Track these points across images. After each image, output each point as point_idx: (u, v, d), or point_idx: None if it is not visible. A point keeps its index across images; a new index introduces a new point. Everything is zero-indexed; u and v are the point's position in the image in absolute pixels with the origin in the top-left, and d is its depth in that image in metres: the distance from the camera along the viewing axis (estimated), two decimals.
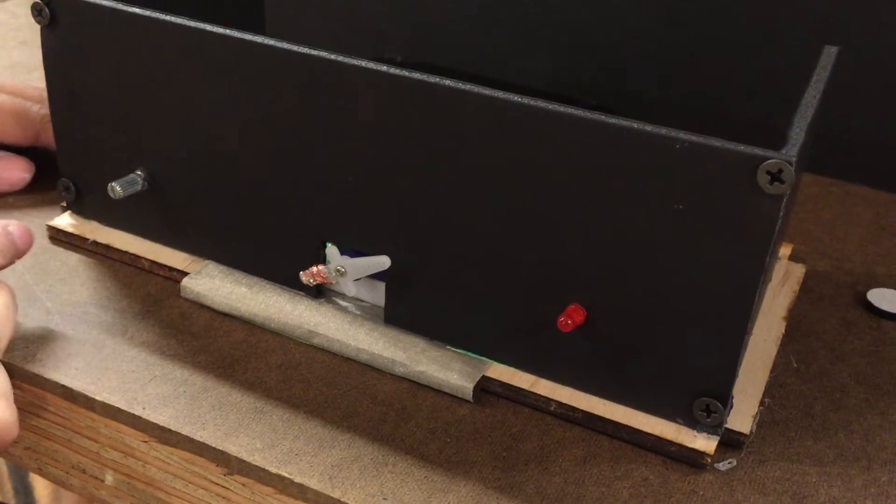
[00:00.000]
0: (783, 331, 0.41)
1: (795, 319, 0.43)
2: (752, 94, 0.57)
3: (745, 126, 0.55)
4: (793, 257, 0.47)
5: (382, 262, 0.38)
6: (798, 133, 0.32)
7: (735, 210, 0.31)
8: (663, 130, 0.31)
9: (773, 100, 0.55)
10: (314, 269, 0.39)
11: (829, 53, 0.41)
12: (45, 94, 0.47)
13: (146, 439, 0.36)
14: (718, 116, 0.58)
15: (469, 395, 0.37)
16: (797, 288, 0.44)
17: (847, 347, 0.41)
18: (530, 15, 0.62)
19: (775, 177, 0.30)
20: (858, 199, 0.54)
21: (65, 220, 0.45)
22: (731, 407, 0.35)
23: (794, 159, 0.30)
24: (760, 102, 0.56)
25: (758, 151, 0.30)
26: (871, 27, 0.53)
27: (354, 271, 0.39)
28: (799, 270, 0.46)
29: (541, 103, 0.33)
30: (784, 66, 0.54)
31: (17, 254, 0.39)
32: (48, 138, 0.48)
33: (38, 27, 0.41)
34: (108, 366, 0.37)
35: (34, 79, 0.62)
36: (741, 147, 0.30)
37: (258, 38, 0.37)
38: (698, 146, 0.31)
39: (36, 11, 0.41)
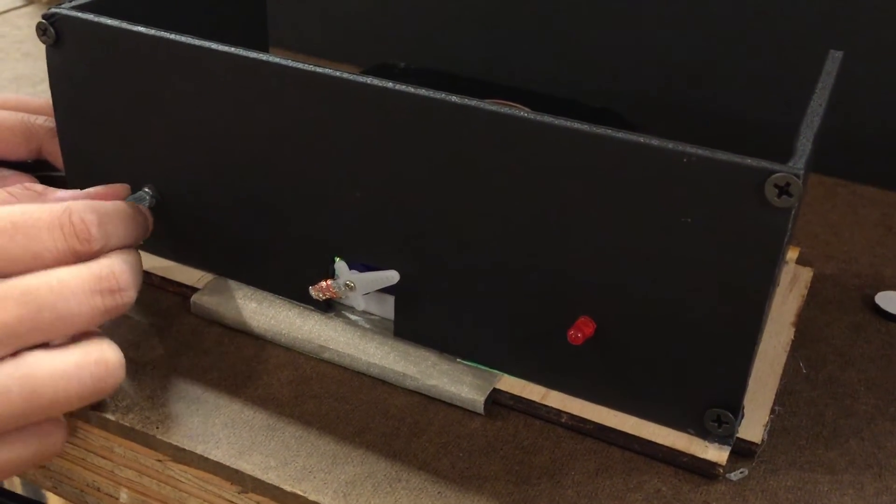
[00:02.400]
0: (792, 336, 0.41)
1: (804, 324, 0.43)
2: (757, 95, 0.57)
3: (750, 127, 0.55)
4: (800, 261, 0.47)
5: (391, 276, 0.38)
6: (805, 144, 0.32)
7: (743, 223, 0.31)
8: (670, 144, 0.31)
9: (778, 100, 0.55)
10: (323, 284, 0.40)
11: (834, 58, 0.40)
12: (49, 105, 0.48)
13: (160, 458, 0.36)
14: (723, 118, 0.58)
15: (480, 408, 0.37)
16: (805, 292, 0.44)
17: (856, 352, 0.42)
18: (533, 17, 0.62)
19: (783, 190, 0.30)
20: (865, 200, 0.54)
21: None
22: (743, 417, 0.35)
23: (801, 172, 0.30)
24: (766, 103, 0.56)
25: (765, 165, 0.30)
26: (878, 27, 0.53)
27: (363, 286, 0.39)
28: (806, 274, 0.46)
29: (547, 119, 0.33)
30: (790, 67, 0.54)
31: (146, 235, 0.40)
32: (51, 151, 0.48)
33: None
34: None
35: (39, 92, 0.62)
36: (748, 160, 0.30)
37: (262, 56, 0.37)
38: (705, 160, 0.31)
39: (41, 31, 0.41)
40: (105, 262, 0.35)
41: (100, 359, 0.33)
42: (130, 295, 0.35)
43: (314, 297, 0.40)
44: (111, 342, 0.34)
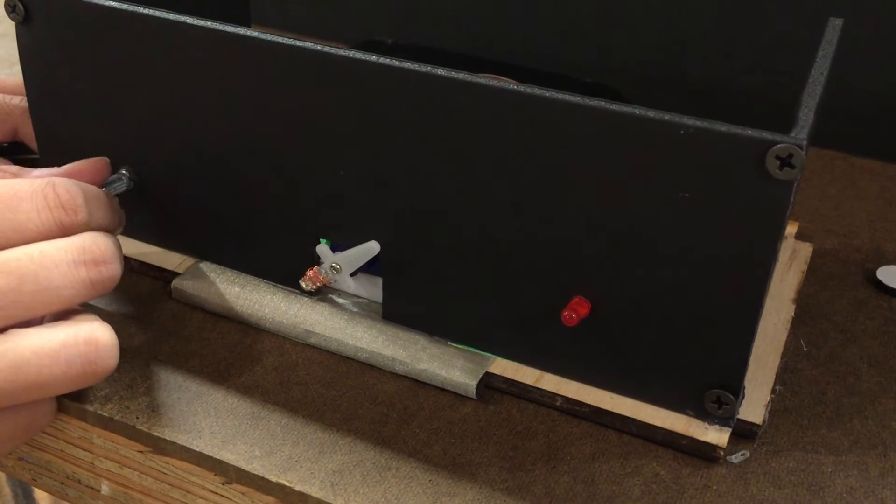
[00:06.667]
0: (792, 313, 0.40)
1: (804, 301, 0.42)
2: (754, 66, 0.56)
3: (747, 100, 0.54)
4: (799, 235, 0.46)
5: (371, 248, 0.37)
6: (807, 114, 0.31)
7: (743, 196, 0.30)
8: (667, 116, 0.30)
9: (776, 72, 0.54)
10: (310, 273, 0.38)
11: (834, 26, 0.39)
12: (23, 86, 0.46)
13: (141, 449, 0.35)
14: (720, 91, 0.57)
15: (472, 392, 0.36)
16: (805, 268, 0.43)
17: (858, 328, 0.40)
18: None
19: (785, 162, 0.29)
20: (864, 173, 0.53)
21: None
22: (743, 397, 0.34)
23: (804, 143, 0.28)
24: (762, 75, 0.55)
25: (766, 136, 0.29)
26: None
27: (347, 264, 0.38)
28: (806, 249, 0.45)
29: (538, 91, 0.31)
30: (787, 38, 0.53)
31: (121, 227, 0.39)
32: (27, 132, 0.46)
33: None
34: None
35: (16, 73, 0.61)
36: (749, 132, 0.29)
37: (240, 30, 0.35)
38: (704, 132, 0.29)
39: (10, 8, 0.40)
40: (88, 235, 0.34)
41: (89, 338, 0.32)
42: (115, 268, 0.34)
43: (306, 288, 0.39)
44: (104, 323, 0.33)
